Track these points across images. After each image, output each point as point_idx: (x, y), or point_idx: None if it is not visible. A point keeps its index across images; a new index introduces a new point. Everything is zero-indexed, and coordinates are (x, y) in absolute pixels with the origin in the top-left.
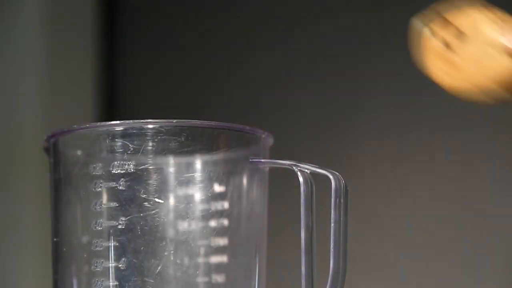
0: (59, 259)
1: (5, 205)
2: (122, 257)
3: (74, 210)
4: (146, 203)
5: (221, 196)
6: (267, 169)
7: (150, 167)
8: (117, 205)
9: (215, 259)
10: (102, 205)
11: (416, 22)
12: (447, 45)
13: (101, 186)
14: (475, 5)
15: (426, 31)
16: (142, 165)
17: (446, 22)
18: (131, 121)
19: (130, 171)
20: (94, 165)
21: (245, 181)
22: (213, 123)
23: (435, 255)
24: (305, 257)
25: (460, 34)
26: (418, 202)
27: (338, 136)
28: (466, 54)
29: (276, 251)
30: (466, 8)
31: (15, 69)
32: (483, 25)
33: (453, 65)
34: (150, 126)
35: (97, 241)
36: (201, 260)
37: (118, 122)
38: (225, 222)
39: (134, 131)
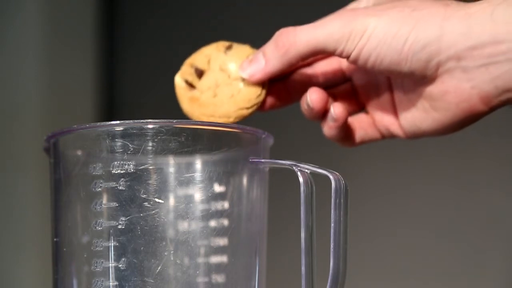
0: (59, 259)
1: (5, 205)
2: (122, 257)
3: (74, 210)
4: (146, 203)
5: (221, 196)
6: (267, 169)
7: (150, 167)
8: (117, 205)
9: (215, 259)
10: (102, 205)
11: (176, 78)
12: (191, 85)
13: (101, 186)
14: (213, 45)
15: (176, 80)
16: (142, 165)
17: (189, 66)
18: (131, 121)
19: (130, 171)
20: (94, 165)
21: (245, 181)
22: (213, 123)
23: (435, 255)
24: (305, 257)
25: (199, 71)
26: (418, 202)
27: None
28: (207, 87)
29: (276, 251)
30: (203, 49)
31: (15, 69)
32: (215, 58)
33: (201, 102)
34: (150, 126)
35: (97, 241)
36: (201, 260)
37: (118, 122)
38: (225, 222)
39: (134, 131)
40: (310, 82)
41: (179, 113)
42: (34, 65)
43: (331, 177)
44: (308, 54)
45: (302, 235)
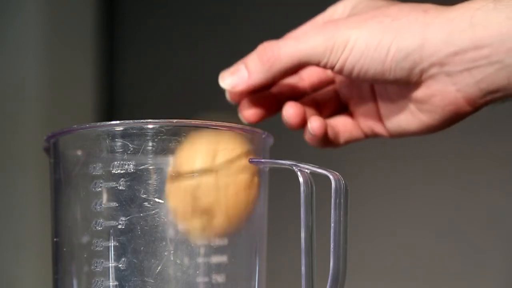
0: (59, 259)
1: (5, 205)
2: (122, 257)
3: (74, 210)
4: (146, 203)
5: None
6: (267, 169)
7: (150, 167)
8: (117, 205)
9: (215, 259)
10: (102, 205)
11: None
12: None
13: (101, 186)
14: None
15: (192, 232)
16: (142, 165)
17: (184, 215)
18: (131, 121)
19: (130, 171)
20: (94, 165)
21: None
22: (213, 123)
23: (435, 255)
24: (305, 257)
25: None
26: (418, 202)
27: None
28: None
29: (276, 251)
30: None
31: (15, 70)
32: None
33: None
34: (150, 126)
35: (97, 241)
36: (201, 260)
37: (118, 122)
38: None
39: (134, 131)
40: (297, 89)
41: (179, 113)
42: (34, 65)
43: (331, 177)
44: (292, 67)
45: (302, 235)
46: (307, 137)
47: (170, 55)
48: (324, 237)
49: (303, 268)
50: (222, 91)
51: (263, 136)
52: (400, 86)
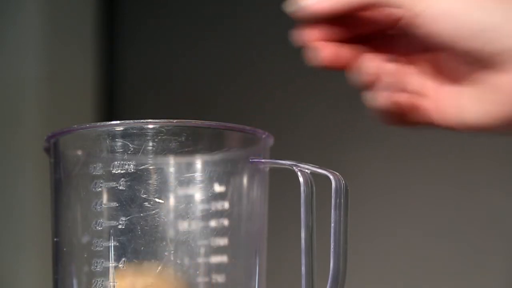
0: (59, 259)
1: (5, 205)
2: (122, 257)
3: (74, 210)
4: (146, 203)
5: (221, 196)
6: (267, 169)
7: (150, 167)
8: (117, 205)
9: (215, 259)
10: (103, 205)
11: None
12: None
13: (101, 186)
14: None
15: None
16: (142, 165)
17: None
18: (131, 121)
19: (130, 171)
20: (94, 165)
21: (245, 181)
22: (213, 123)
23: (435, 255)
24: (305, 257)
25: None
26: (418, 202)
27: (338, 136)
28: None
29: (276, 251)
30: None
31: (15, 69)
32: None
33: None
34: (150, 126)
35: (97, 241)
36: (201, 260)
37: (118, 122)
38: (225, 222)
39: (134, 131)
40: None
41: (179, 113)
42: (34, 65)
43: (331, 177)
44: (370, 4)
45: (302, 235)
46: (380, 95)
47: (170, 55)
48: (324, 237)
49: (303, 268)
50: (221, 91)
51: (263, 136)
52: (470, 62)
